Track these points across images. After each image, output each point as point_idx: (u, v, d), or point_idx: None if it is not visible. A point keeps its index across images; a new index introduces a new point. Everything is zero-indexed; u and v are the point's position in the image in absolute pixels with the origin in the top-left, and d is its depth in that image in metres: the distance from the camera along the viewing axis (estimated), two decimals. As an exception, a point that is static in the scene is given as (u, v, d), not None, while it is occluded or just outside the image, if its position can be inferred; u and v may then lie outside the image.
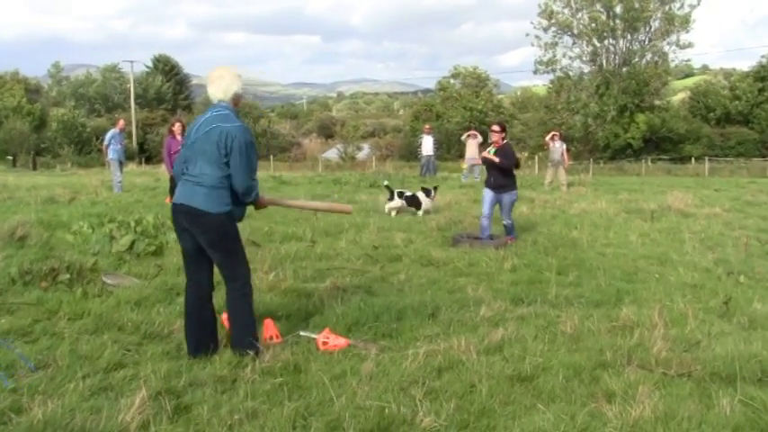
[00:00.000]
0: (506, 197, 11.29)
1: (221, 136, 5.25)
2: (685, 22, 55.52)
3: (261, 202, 5.77)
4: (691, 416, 4.29)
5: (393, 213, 14.38)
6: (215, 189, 5.26)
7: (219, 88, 5.58)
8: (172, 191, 16.63)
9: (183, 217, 5.36)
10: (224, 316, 6.08)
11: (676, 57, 57.75)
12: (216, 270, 5.57)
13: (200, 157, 5.32)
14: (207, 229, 5.31)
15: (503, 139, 11.33)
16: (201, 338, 5.46)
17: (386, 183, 16.35)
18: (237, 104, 5.67)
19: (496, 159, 11.14)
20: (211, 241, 5.36)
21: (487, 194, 11.35)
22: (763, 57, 60.40)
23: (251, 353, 5.28)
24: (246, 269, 5.59)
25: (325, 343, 5.60)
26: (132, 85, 69.88)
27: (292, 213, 13.66)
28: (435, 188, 15.27)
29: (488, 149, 11.46)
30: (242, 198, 5.43)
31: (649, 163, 50.13)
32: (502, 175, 11.27)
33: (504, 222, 11.44)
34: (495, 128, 11.38)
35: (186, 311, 5.54)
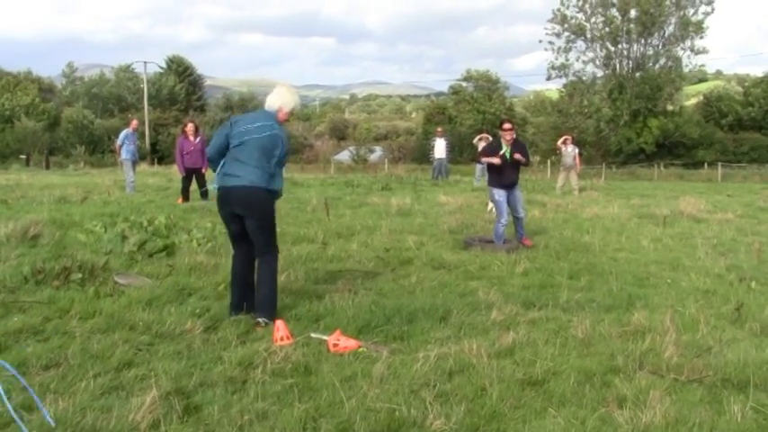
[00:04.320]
0: (517, 191, 11.35)
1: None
2: (699, 27, 55.41)
3: None
4: (702, 422, 4.27)
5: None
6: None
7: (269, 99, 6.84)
8: (184, 192, 16.70)
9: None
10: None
11: (690, 62, 57.66)
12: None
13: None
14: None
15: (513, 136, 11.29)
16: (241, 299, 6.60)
17: None
18: (284, 118, 6.80)
19: (523, 159, 11.14)
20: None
21: (502, 197, 11.17)
22: (777, 62, 60.21)
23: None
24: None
25: (335, 345, 5.60)
26: (146, 85, 70.07)
27: (304, 215, 13.70)
28: None
29: (503, 151, 11.11)
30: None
31: (662, 168, 50.03)
32: (517, 173, 11.34)
33: (520, 215, 11.31)
34: (508, 126, 11.23)
35: (233, 276, 6.78)
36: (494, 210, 14.75)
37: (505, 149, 11.15)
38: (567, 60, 59.77)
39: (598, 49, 59.03)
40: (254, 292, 6.64)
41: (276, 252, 6.71)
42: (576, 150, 24.38)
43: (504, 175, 11.21)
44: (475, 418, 4.32)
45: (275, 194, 6.64)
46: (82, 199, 16.41)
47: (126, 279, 7.66)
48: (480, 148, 26.31)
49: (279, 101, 6.72)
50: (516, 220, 11.36)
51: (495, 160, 11.13)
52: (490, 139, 26.84)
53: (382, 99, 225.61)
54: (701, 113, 63.01)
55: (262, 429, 4.11)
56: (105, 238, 9.78)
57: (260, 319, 6.27)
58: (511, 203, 11.26)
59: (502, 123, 11.44)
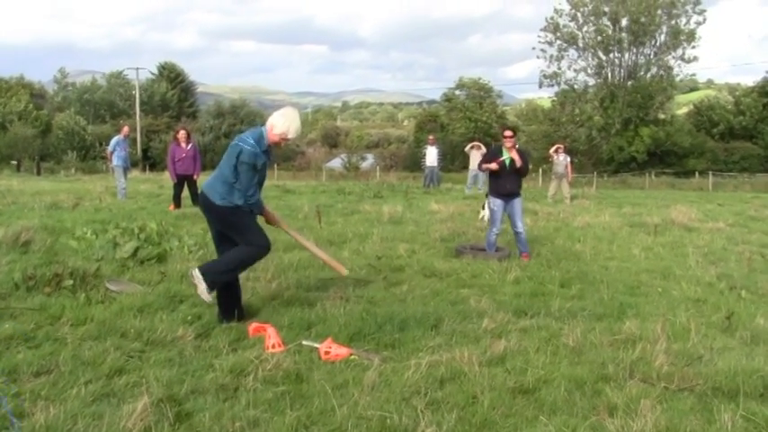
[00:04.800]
0: (517, 202, 10.97)
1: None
2: (691, 37, 55.68)
3: (268, 217, 7.18)
4: (692, 430, 4.29)
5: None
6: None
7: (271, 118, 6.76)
8: (175, 198, 16.66)
9: None
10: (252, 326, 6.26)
11: (681, 71, 57.91)
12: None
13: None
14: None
15: (514, 144, 11.03)
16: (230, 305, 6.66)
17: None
18: (273, 139, 6.68)
19: (519, 161, 10.83)
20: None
21: (499, 206, 10.98)
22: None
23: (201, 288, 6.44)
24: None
25: (327, 352, 5.60)
26: (138, 91, 69.97)
27: (295, 222, 13.69)
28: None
29: (504, 158, 10.89)
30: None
31: (653, 177, 50.20)
32: (517, 182, 10.99)
33: (519, 230, 10.93)
34: (509, 133, 10.99)
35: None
36: (485, 217, 14.75)
37: (506, 156, 10.96)
38: (560, 69, 60.05)
39: (590, 58, 59.34)
40: (240, 299, 6.87)
41: (255, 246, 6.65)
42: (568, 159, 24.44)
43: (500, 183, 11.00)
44: (466, 426, 4.33)
45: (233, 207, 6.54)
46: (73, 205, 16.37)
47: (117, 286, 7.64)
48: (472, 156, 26.53)
49: (272, 120, 6.69)
50: (515, 234, 11.08)
51: (493, 166, 10.93)
52: (482, 146, 26.95)
53: (374, 107, 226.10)
54: (692, 122, 63.22)
55: (253, 437, 4.11)
56: (97, 244, 9.76)
57: (194, 271, 6.53)
58: (509, 215, 11.05)
59: (504, 130, 11.27)
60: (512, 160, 10.87)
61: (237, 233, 6.65)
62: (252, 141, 6.46)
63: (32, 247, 9.76)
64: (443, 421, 4.33)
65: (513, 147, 10.95)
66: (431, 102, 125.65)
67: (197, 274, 6.43)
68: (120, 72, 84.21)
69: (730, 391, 4.99)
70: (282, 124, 6.62)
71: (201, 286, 6.41)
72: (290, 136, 6.72)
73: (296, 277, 8.52)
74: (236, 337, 6.12)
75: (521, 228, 10.97)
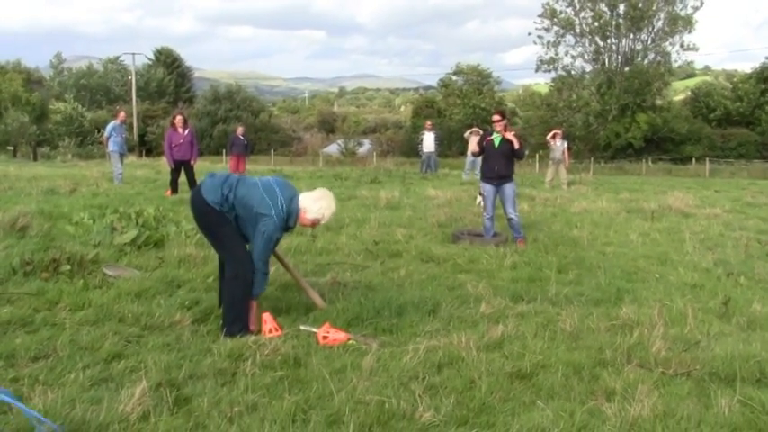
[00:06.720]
0: (508, 188, 10.93)
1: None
2: (688, 22, 55.49)
3: None
4: (689, 415, 4.30)
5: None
6: None
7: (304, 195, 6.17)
8: (172, 184, 16.64)
9: None
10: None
11: (679, 57, 57.73)
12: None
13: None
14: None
15: (506, 127, 11.00)
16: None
17: None
18: (305, 224, 6.23)
19: (514, 139, 10.80)
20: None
21: (489, 191, 11.02)
22: (766, 58, 60.24)
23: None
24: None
25: (325, 337, 5.61)
26: (134, 77, 69.68)
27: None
28: None
29: (492, 137, 10.96)
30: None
31: (650, 163, 50.12)
32: (506, 165, 10.91)
33: (510, 216, 10.91)
34: (496, 117, 11.00)
35: (220, 268, 6.42)
36: (481, 203, 14.78)
37: (495, 136, 10.95)
38: (557, 55, 59.84)
39: (587, 44, 59.11)
40: None
41: (241, 273, 5.95)
42: (565, 145, 24.42)
43: (489, 165, 11.03)
44: (464, 411, 4.34)
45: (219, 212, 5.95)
46: (70, 190, 16.33)
47: (115, 271, 7.65)
48: (471, 142, 26.49)
49: (303, 204, 6.06)
50: (507, 220, 11.07)
51: (475, 149, 11.54)
52: (481, 132, 26.93)
53: (371, 92, 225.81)
54: (689, 109, 63.07)
55: (251, 421, 4.11)
56: (94, 229, 9.75)
57: (222, 338, 5.69)
58: (501, 201, 11.04)
59: (492, 116, 11.29)
60: (501, 140, 10.86)
61: (219, 243, 6.16)
62: (283, 214, 5.89)
63: (29, 233, 9.74)
64: (441, 405, 4.34)
65: (505, 129, 10.93)
66: (428, 88, 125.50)
67: (225, 338, 5.65)
68: (117, 57, 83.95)
69: (727, 376, 5.00)
70: (317, 211, 6.07)
71: (230, 336, 5.69)
72: (323, 221, 6.30)
73: (293, 262, 8.48)
74: (233, 322, 6.11)
75: (512, 214, 10.94)
